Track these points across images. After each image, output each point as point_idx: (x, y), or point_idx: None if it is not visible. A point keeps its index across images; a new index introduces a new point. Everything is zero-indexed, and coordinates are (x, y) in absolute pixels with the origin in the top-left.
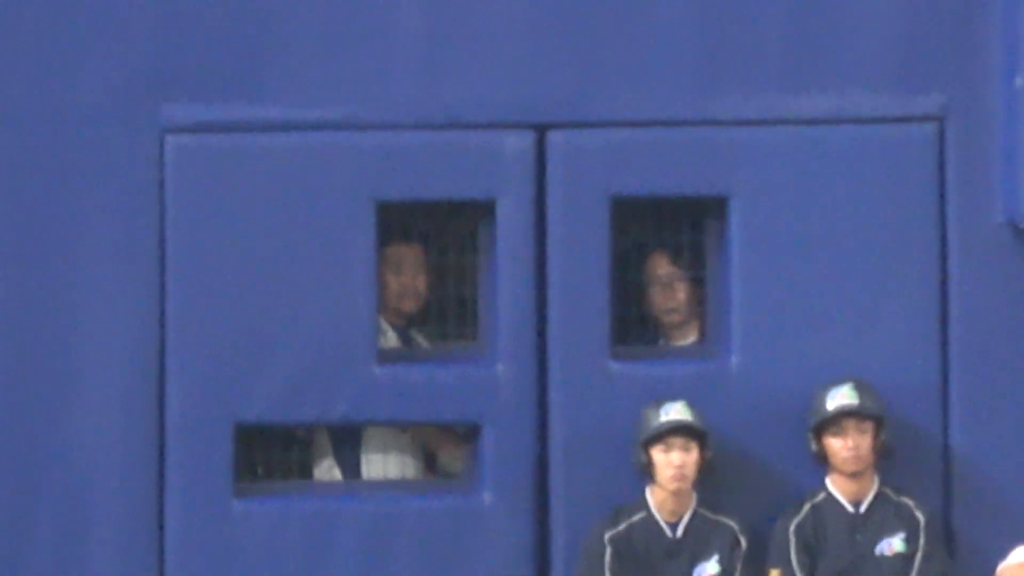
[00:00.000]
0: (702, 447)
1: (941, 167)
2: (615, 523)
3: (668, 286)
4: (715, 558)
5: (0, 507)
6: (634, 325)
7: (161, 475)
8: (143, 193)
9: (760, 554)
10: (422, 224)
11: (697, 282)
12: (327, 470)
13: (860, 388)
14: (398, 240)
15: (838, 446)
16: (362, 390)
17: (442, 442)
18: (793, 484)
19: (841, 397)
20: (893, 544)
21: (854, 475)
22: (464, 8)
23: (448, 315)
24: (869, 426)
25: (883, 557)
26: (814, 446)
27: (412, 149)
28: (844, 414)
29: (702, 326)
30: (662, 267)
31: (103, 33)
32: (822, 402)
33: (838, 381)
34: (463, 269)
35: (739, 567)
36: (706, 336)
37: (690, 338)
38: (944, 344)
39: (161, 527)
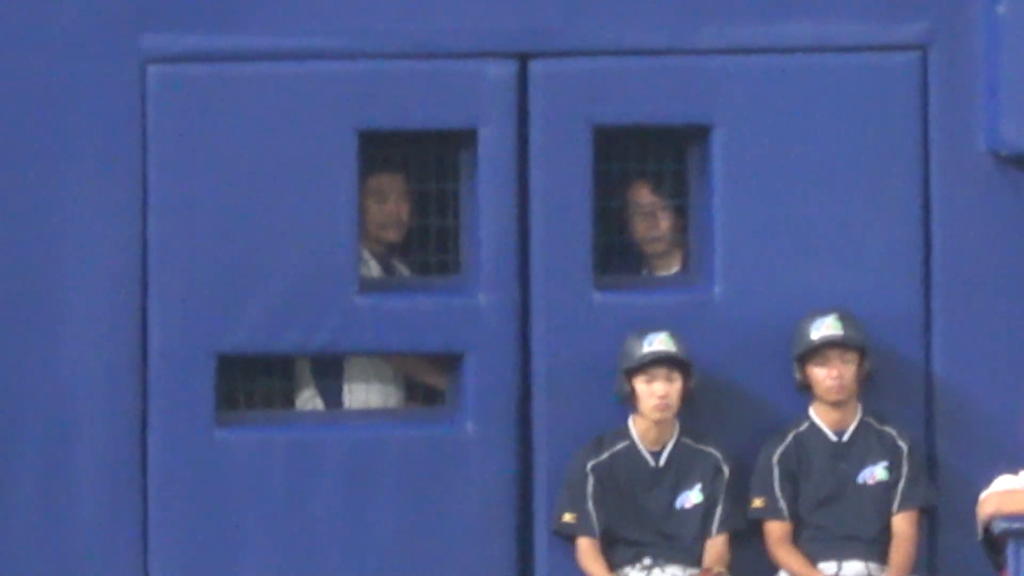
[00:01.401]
0: (685, 377)
1: (924, 95)
2: (598, 452)
3: (650, 215)
4: (698, 486)
5: None
6: (617, 254)
7: (144, 405)
8: (124, 124)
9: (743, 483)
10: (403, 152)
11: (679, 211)
12: (309, 400)
13: (844, 318)
14: (380, 169)
15: (822, 375)
16: (344, 320)
17: (424, 371)
18: (776, 413)
19: (825, 327)
20: (876, 472)
21: (837, 404)
22: None
23: (430, 244)
24: (853, 356)
25: (865, 485)
26: (798, 375)
27: (394, 78)
28: (828, 344)
29: (685, 256)
30: (644, 196)
31: None
32: (806, 332)
33: (822, 311)
34: (445, 198)
35: (722, 495)
36: (689, 266)
37: (673, 268)
38: (926, 272)
39: (144, 457)
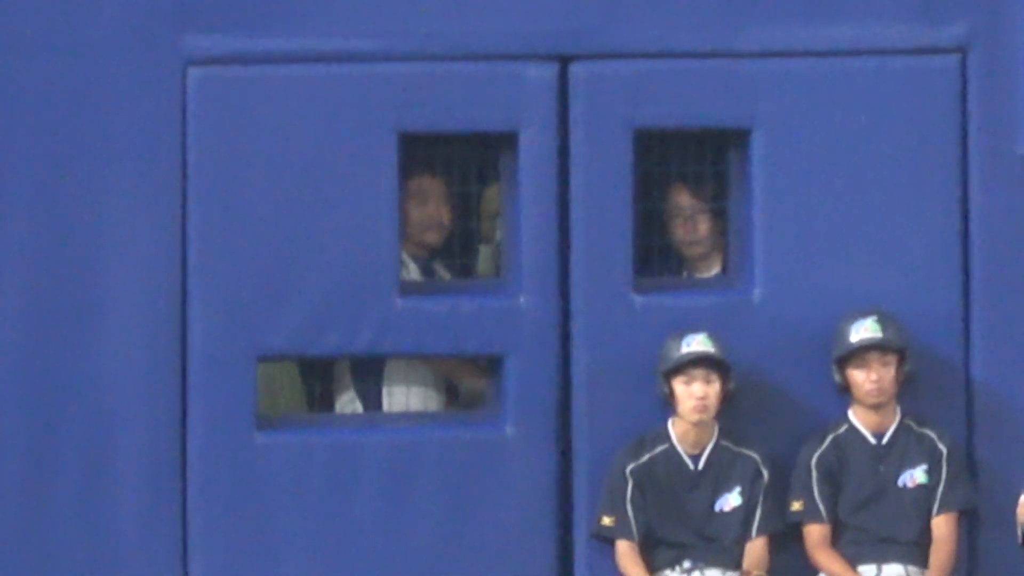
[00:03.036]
0: (724, 379)
1: (963, 98)
2: (637, 455)
3: (690, 219)
4: (737, 489)
5: (25, 440)
6: (657, 257)
7: (184, 407)
8: (165, 126)
9: (782, 485)
10: (445, 155)
11: (718, 214)
12: (348, 403)
13: (884, 320)
14: (422, 172)
15: (861, 378)
16: (384, 322)
17: (464, 373)
18: (815, 415)
19: (865, 330)
20: (915, 475)
21: (876, 407)
22: None
23: (471, 247)
24: (892, 358)
25: (905, 488)
26: (837, 377)
27: (435, 80)
28: (868, 347)
29: (724, 258)
30: (684, 199)
31: None
32: (846, 334)
33: (862, 313)
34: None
35: (761, 498)
36: (728, 268)
37: (713, 270)
38: (966, 274)
39: (184, 459)
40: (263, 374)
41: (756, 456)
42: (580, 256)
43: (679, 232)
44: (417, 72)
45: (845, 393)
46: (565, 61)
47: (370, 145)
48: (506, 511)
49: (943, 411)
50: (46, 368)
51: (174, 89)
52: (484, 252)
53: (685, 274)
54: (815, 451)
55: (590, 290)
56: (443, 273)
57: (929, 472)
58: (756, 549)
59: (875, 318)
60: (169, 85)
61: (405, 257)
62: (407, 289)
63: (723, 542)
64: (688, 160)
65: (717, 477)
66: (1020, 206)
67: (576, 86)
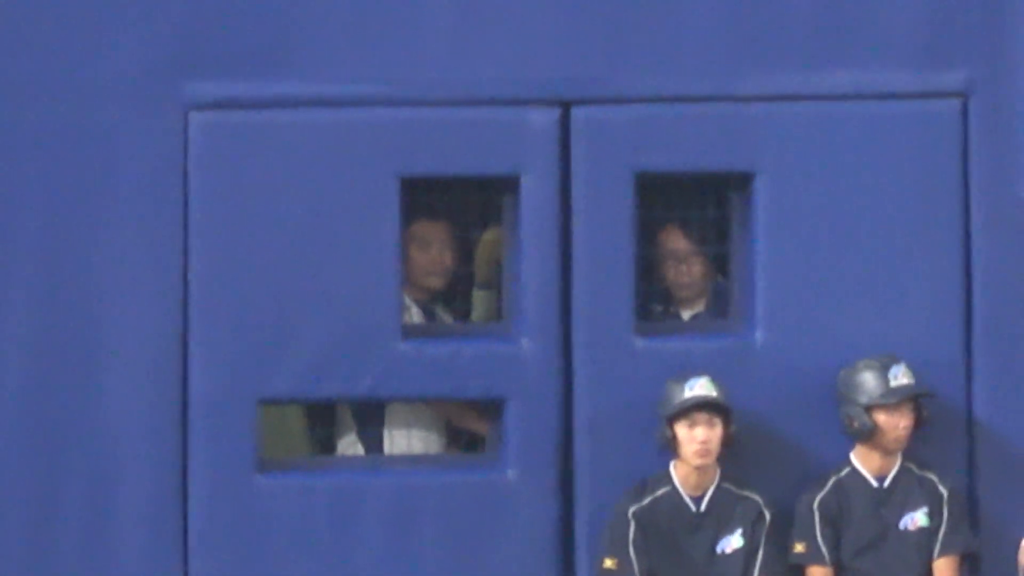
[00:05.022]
0: (726, 422)
1: (965, 142)
2: (639, 498)
3: (683, 261)
4: (739, 532)
5: (27, 484)
6: (642, 295)
7: (185, 451)
8: (167, 170)
9: (784, 528)
10: (447, 200)
11: (718, 258)
12: (350, 446)
13: (910, 366)
14: (423, 216)
15: (891, 424)
16: (386, 366)
17: (466, 417)
18: (817, 458)
19: (903, 376)
20: (916, 518)
21: (893, 451)
22: None
23: (472, 291)
24: (913, 405)
25: (907, 531)
26: (868, 420)
27: (437, 125)
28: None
29: (709, 298)
30: (677, 242)
31: (127, 10)
32: (881, 380)
33: (892, 359)
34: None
35: (763, 541)
36: (727, 310)
37: (697, 308)
38: (968, 319)
39: (185, 502)
40: (272, 416)
41: (758, 498)
42: (582, 300)
43: (671, 273)
44: (419, 117)
45: (869, 438)
46: (567, 106)
47: (372, 190)
48: (508, 554)
49: (945, 454)
50: (49, 412)
51: (176, 134)
52: (479, 297)
53: (671, 310)
54: (817, 494)
55: (592, 334)
56: (445, 317)
57: (930, 515)
58: None
59: (906, 365)
60: (171, 130)
61: (407, 301)
62: (409, 333)
63: None
64: (690, 204)
65: (719, 519)
66: (1022, 250)
67: (578, 131)
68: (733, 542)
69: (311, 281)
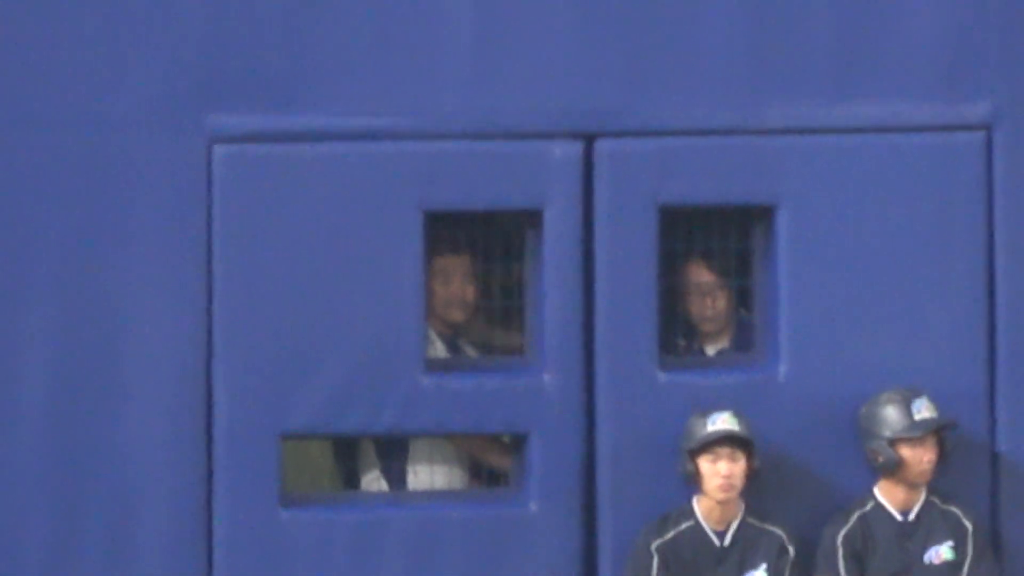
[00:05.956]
0: (749, 456)
1: (989, 175)
2: (662, 532)
3: (708, 294)
4: (763, 567)
5: (50, 517)
6: (665, 329)
7: (209, 485)
8: (190, 203)
9: (808, 562)
10: (470, 233)
11: (742, 291)
12: (373, 481)
13: (933, 399)
14: (446, 250)
15: (916, 458)
16: (409, 400)
17: (489, 451)
18: (841, 492)
19: (926, 409)
20: (941, 552)
21: (918, 485)
22: (512, 17)
23: (495, 324)
24: (936, 438)
25: (931, 565)
26: (893, 454)
27: (460, 158)
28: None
29: (733, 333)
30: (702, 275)
31: (151, 42)
32: (904, 413)
33: (914, 392)
34: (510, 278)
35: (787, 575)
36: (751, 344)
37: (722, 343)
38: (991, 351)
39: (209, 536)
40: (297, 451)
41: (782, 533)
42: (604, 333)
43: (696, 307)
44: (442, 150)
45: (895, 472)
46: (590, 139)
47: (395, 223)
48: None
49: (969, 488)
50: (71, 445)
51: (199, 167)
52: None
53: (696, 346)
54: (841, 528)
55: (615, 367)
56: (469, 350)
57: (955, 548)
58: None
59: (928, 397)
60: (194, 163)
61: (431, 334)
62: (432, 366)
63: None
64: (713, 236)
65: (743, 554)
66: None
67: (601, 163)
68: None
69: (334, 314)
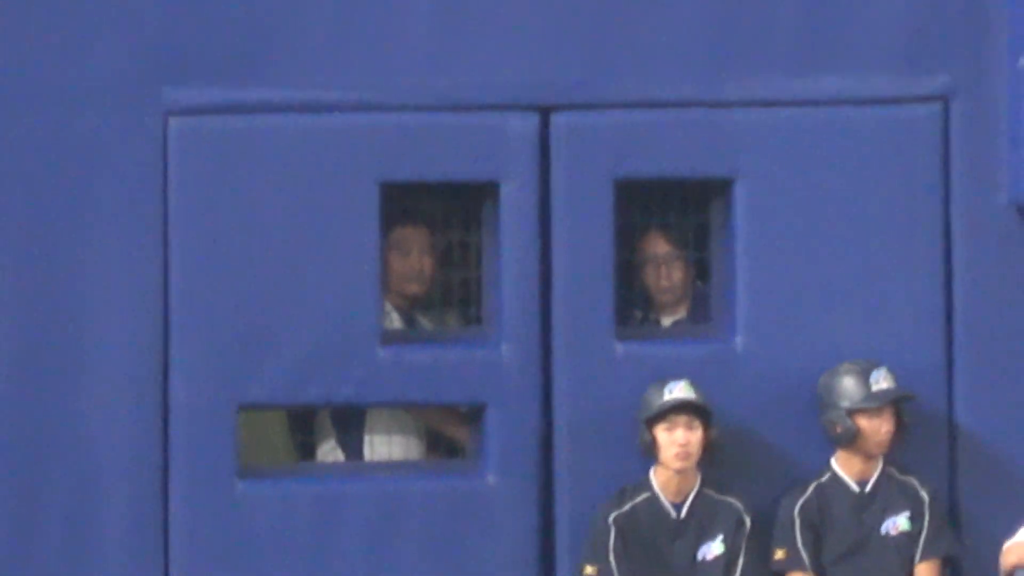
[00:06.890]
0: (706, 426)
1: (946, 148)
2: (619, 504)
3: (664, 265)
4: (720, 538)
5: (8, 490)
6: (622, 301)
7: (165, 457)
8: (147, 175)
9: (765, 534)
10: (426, 205)
11: (697, 263)
12: (329, 452)
13: (891, 371)
14: (403, 222)
15: (873, 428)
16: (366, 372)
17: (446, 422)
18: (797, 464)
19: (884, 380)
20: (898, 523)
21: (874, 456)
22: None
23: (452, 297)
24: (894, 409)
25: (888, 536)
26: (851, 425)
27: (417, 130)
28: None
29: (691, 304)
30: (660, 247)
31: (107, 16)
32: (862, 384)
33: (872, 364)
34: (467, 250)
35: (744, 547)
36: (708, 316)
37: (679, 315)
38: (949, 324)
39: (166, 509)
40: (253, 423)
41: (739, 504)
42: (561, 306)
43: (653, 278)
44: (399, 123)
45: (851, 442)
46: (546, 112)
47: (352, 195)
48: (488, 560)
49: (927, 460)
50: (28, 419)
51: (155, 139)
52: None
53: (652, 317)
54: (798, 499)
55: (572, 339)
56: (425, 323)
57: (912, 519)
58: None
59: (887, 369)
60: (150, 136)
61: (388, 307)
62: (389, 339)
63: None
64: (671, 209)
65: (700, 525)
66: (1003, 255)
67: (558, 137)
68: (714, 549)
69: (291, 287)
